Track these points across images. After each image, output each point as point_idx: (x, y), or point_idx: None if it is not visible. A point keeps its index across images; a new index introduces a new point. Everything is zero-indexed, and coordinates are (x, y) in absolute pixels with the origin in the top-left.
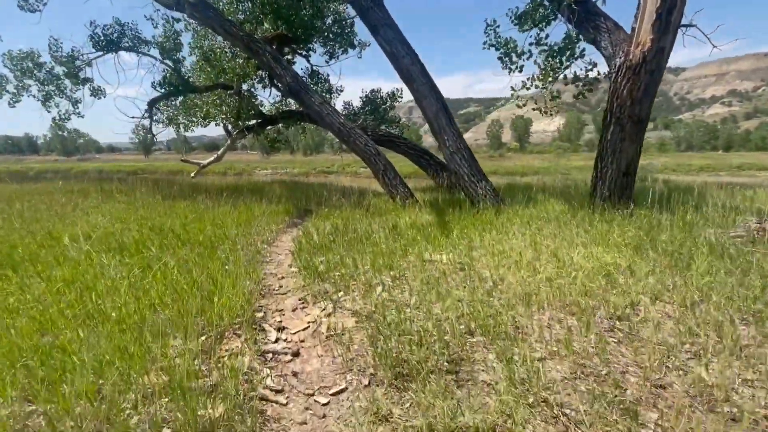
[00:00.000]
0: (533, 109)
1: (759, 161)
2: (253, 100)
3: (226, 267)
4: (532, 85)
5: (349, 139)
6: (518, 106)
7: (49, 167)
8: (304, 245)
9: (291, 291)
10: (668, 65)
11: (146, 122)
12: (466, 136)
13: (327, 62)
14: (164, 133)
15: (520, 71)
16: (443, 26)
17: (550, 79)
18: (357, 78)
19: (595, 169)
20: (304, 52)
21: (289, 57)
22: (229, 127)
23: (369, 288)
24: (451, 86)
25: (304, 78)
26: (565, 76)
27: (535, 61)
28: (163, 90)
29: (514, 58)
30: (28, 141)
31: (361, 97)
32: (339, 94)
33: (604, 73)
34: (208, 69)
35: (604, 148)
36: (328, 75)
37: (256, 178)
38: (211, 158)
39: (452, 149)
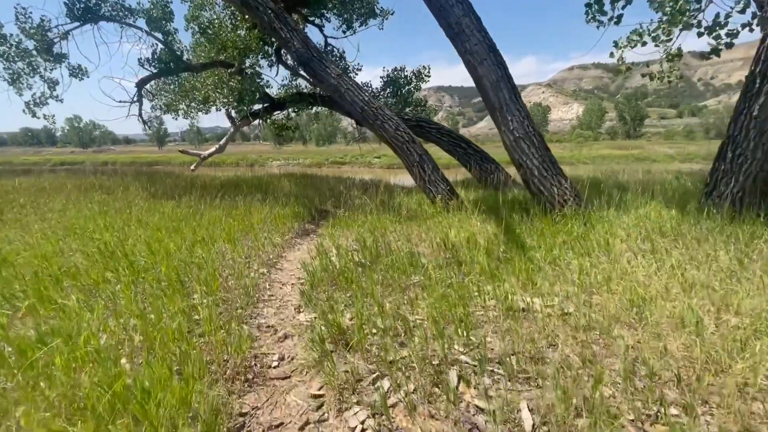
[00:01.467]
0: (642, 75)
1: None
2: (258, 81)
3: (188, 334)
4: (634, 43)
5: (375, 121)
6: (619, 71)
7: (65, 159)
8: (318, 274)
9: (297, 372)
10: (691, 49)
11: (150, 111)
12: (480, 125)
13: (344, 33)
14: (178, 125)
15: (618, 22)
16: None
17: (679, 26)
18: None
19: (718, 159)
20: (317, 20)
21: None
22: (232, 112)
23: (437, 379)
24: (465, 74)
25: None
26: (699, 23)
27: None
28: (152, 69)
29: (607, 5)
30: (47, 133)
31: (381, 77)
32: (357, 74)
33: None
34: (206, 44)
35: (742, 128)
36: (343, 51)
37: (268, 170)
38: (212, 149)
39: (518, 133)
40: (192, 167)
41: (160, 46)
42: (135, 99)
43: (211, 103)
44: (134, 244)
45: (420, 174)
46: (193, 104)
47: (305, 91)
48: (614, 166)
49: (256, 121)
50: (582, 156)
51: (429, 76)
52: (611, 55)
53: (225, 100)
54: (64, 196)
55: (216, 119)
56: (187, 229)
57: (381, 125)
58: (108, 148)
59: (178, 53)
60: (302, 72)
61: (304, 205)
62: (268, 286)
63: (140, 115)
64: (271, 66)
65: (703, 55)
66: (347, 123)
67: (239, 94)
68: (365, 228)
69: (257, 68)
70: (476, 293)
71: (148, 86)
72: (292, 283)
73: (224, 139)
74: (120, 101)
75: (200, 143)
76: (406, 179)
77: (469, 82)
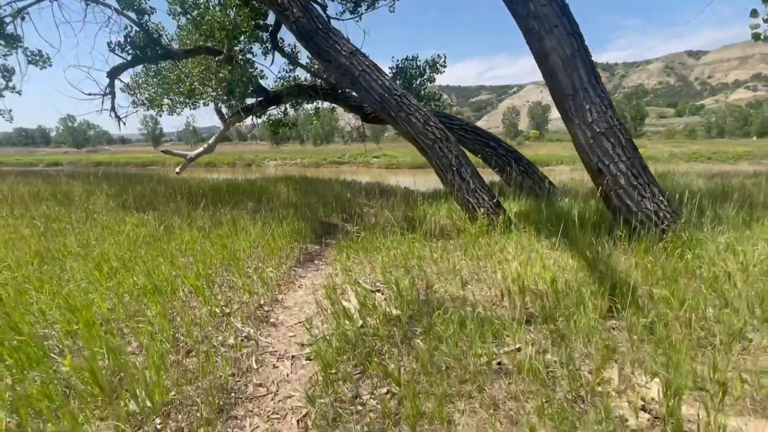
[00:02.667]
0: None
1: None
2: (251, 70)
3: None
4: None
5: (398, 113)
6: (757, 36)
7: (59, 159)
8: (332, 345)
9: None
10: (689, 48)
11: (125, 104)
12: (479, 124)
13: (352, 12)
14: (174, 124)
15: None
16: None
17: None
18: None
19: None
20: None
21: None
22: (222, 108)
23: None
24: (463, 73)
25: None
26: None
27: None
28: (126, 56)
29: None
30: (41, 133)
31: (391, 68)
32: None
33: None
34: (190, 28)
35: None
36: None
37: (265, 170)
38: (200, 149)
39: (598, 127)
40: (177, 170)
41: (135, 28)
42: (107, 91)
43: (198, 97)
44: (50, 297)
45: (456, 181)
46: (177, 98)
47: (305, 83)
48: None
49: (249, 119)
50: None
51: (445, 66)
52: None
53: (213, 93)
54: (16, 206)
55: (214, 118)
56: (141, 265)
57: (406, 118)
58: (103, 148)
59: (155, 36)
60: (301, 62)
61: (305, 218)
62: (254, 365)
63: (113, 109)
64: (265, 54)
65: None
66: (345, 122)
67: (229, 85)
68: (391, 256)
69: (249, 56)
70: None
71: (126, 78)
72: (293, 356)
73: (213, 138)
74: (89, 94)
75: (196, 143)
76: (408, 180)
77: (467, 81)
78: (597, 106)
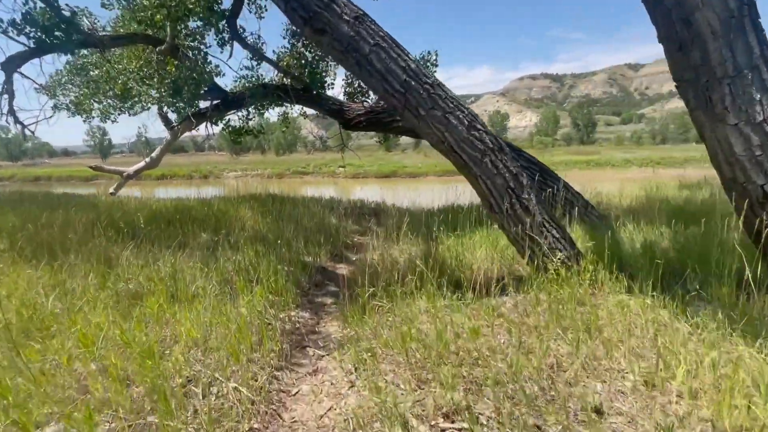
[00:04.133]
0: None
1: None
2: (203, 65)
3: None
4: None
5: (431, 110)
6: None
7: None
8: None
9: None
10: (627, 62)
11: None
12: None
13: None
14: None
15: None
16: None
17: None
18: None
19: None
20: None
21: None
22: (168, 112)
23: None
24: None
25: (287, 42)
26: None
27: None
28: (26, 40)
29: None
30: None
31: None
32: (338, 68)
33: None
34: (125, 15)
35: None
36: None
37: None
38: (140, 164)
39: None
40: (112, 189)
41: (38, 2)
42: (3, 89)
43: (136, 99)
44: None
45: (515, 210)
46: (111, 102)
47: (272, 81)
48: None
49: (204, 126)
50: (548, 162)
51: (437, 66)
52: None
53: (156, 95)
54: None
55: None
56: None
57: (442, 119)
58: (42, 161)
59: (69, 15)
60: (268, 55)
61: (282, 261)
62: None
63: (11, 113)
64: (222, 45)
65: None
66: (307, 131)
67: (174, 84)
68: (444, 346)
69: (200, 45)
70: None
71: (46, 77)
72: None
73: (158, 150)
74: None
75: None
76: (389, 194)
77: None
78: None
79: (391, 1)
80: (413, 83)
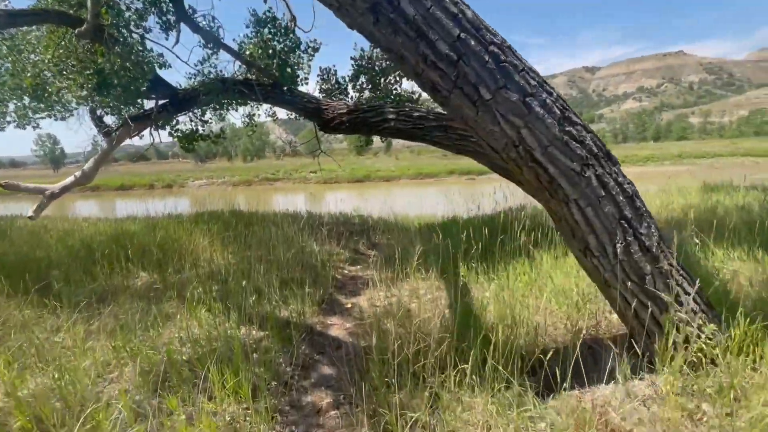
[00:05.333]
0: None
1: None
2: (145, 55)
3: None
4: None
5: (500, 91)
6: None
7: None
8: None
9: None
10: (585, 65)
11: None
12: None
13: None
14: (80, 143)
15: None
16: None
17: None
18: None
19: None
20: None
21: None
22: (103, 113)
23: None
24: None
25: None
26: None
27: None
28: None
29: None
30: None
31: (353, 60)
32: (312, 56)
33: None
34: None
35: None
36: (292, 19)
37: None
38: (67, 180)
39: None
40: (30, 212)
41: None
42: None
43: (53, 97)
44: None
45: (625, 251)
46: (29, 103)
47: (234, 75)
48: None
49: (148, 131)
50: None
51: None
52: None
53: (84, 92)
54: None
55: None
56: None
57: (519, 105)
58: None
59: None
60: (227, 42)
61: (250, 321)
62: None
63: None
64: (167, 29)
65: None
66: (276, 136)
67: (101, 76)
68: None
69: (133, 28)
70: None
71: None
72: None
73: (91, 161)
74: None
75: (106, 165)
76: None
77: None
78: None
79: None
80: (472, 43)
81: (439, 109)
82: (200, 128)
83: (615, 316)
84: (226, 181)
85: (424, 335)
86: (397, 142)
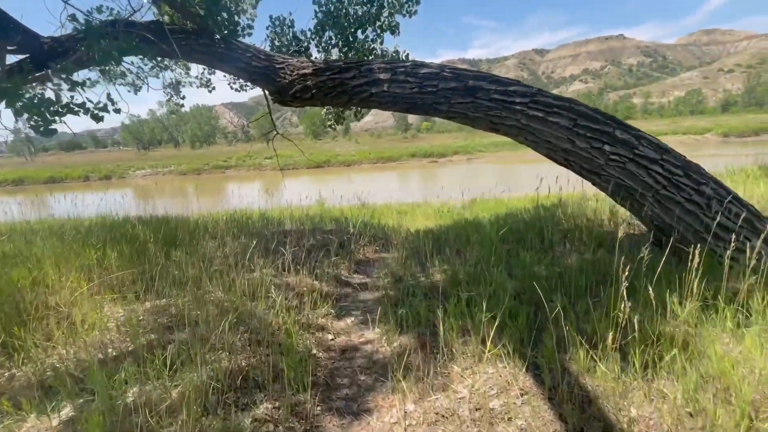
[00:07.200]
0: None
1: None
2: None
3: None
4: None
5: None
6: None
7: None
8: None
9: None
10: (534, 47)
11: None
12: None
13: None
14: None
15: None
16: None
17: None
18: None
19: None
20: None
21: None
22: None
23: None
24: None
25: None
26: None
27: None
28: None
29: None
30: None
31: (317, 4)
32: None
33: None
34: None
35: None
36: None
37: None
38: None
39: None
40: None
41: None
42: None
43: None
44: None
45: None
46: None
47: (134, 18)
48: None
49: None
50: (477, 145)
51: (419, 2)
52: None
53: None
54: None
55: (63, 126)
56: None
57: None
58: None
59: None
60: None
61: None
62: None
63: None
64: None
65: None
66: (226, 121)
67: None
68: None
69: None
70: None
71: None
72: None
73: None
74: None
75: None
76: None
77: None
78: None
79: None
80: None
81: (457, 64)
82: (68, 95)
83: None
84: (172, 170)
85: None
86: (354, 124)
